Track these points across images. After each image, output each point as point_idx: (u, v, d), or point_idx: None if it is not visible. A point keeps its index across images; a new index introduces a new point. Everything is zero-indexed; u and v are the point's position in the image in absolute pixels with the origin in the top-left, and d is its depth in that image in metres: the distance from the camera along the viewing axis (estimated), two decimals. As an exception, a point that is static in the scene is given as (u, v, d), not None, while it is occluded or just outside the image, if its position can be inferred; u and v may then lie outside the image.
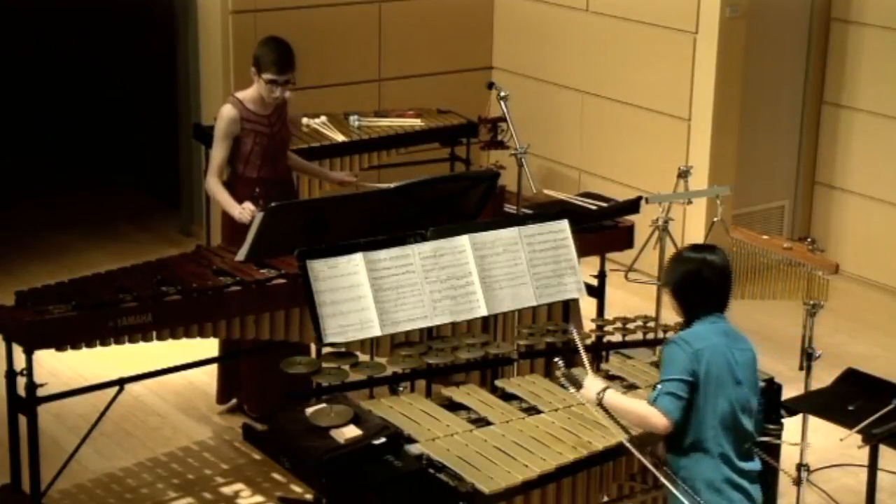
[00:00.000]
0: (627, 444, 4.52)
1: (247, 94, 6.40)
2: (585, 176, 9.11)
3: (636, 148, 8.77)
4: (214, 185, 6.36)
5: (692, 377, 4.40)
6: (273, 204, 5.83)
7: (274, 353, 5.82)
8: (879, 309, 8.37)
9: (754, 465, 4.57)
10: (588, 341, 5.85)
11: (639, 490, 5.08)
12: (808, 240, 6.19)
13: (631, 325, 5.89)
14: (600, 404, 4.56)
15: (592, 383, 4.61)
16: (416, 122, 8.27)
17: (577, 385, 4.61)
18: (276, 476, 6.22)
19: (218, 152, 6.37)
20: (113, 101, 10.56)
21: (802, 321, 5.68)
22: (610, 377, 5.37)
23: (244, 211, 6.19)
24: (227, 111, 6.35)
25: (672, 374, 4.42)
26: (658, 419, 4.41)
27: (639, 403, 4.51)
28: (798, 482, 5.67)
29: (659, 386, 4.45)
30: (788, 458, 5.70)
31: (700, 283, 4.52)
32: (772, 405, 5.36)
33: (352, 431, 4.70)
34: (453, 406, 5.09)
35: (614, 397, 4.57)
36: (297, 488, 6.11)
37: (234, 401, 6.81)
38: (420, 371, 5.44)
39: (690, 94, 8.40)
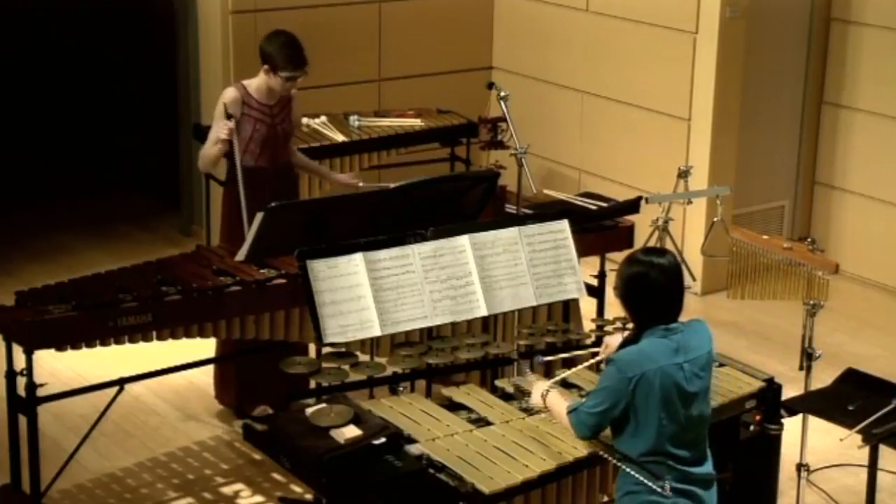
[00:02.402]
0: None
1: (252, 83, 6.44)
2: (585, 176, 9.11)
3: (636, 148, 8.77)
4: (201, 156, 6.47)
5: (617, 403, 4.30)
6: (273, 204, 5.83)
7: (272, 355, 5.83)
8: (879, 309, 8.37)
9: (705, 469, 4.45)
10: (588, 341, 5.86)
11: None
12: (808, 240, 6.18)
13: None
14: (545, 402, 4.63)
15: (541, 383, 4.68)
16: (416, 122, 8.27)
17: (525, 394, 4.64)
18: (276, 476, 6.22)
19: (212, 133, 6.42)
20: (113, 101, 10.56)
21: (802, 321, 5.68)
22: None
23: (221, 128, 6.28)
24: (229, 93, 6.41)
25: (598, 395, 4.36)
26: (570, 428, 4.48)
27: (562, 407, 4.52)
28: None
29: (583, 399, 4.45)
30: (788, 458, 5.70)
31: (647, 287, 4.32)
32: (772, 405, 5.37)
33: (352, 431, 4.70)
34: (453, 406, 5.09)
35: (554, 398, 4.61)
36: (297, 488, 6.11)
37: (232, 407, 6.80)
38: (420, 371, 5.44)
39: (690, 94, 8.40)
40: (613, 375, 4.34)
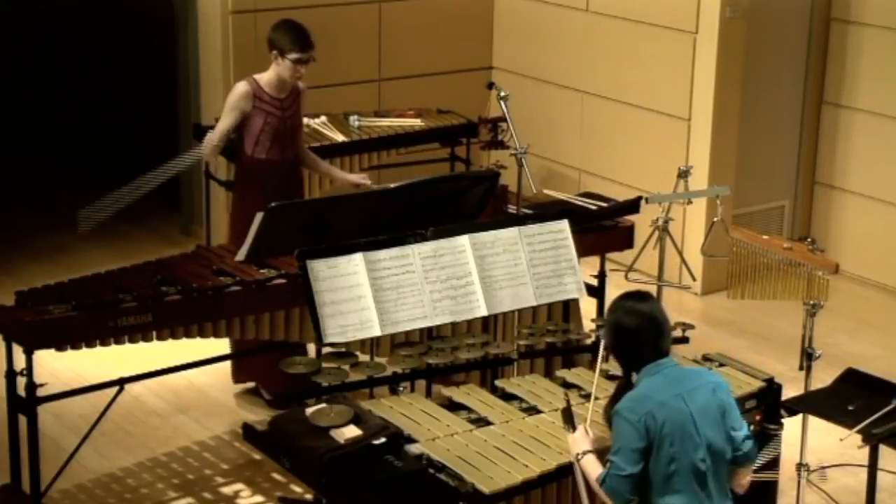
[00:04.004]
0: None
1: (263, 77, 6.53)
2: (585, 176, 9.11)
3: (636, 148, 8.77)
4: (206, 142, 6.56)
5: (642, 444, 4.26)
6: (273, 204, 5.83)
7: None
8: (879, 309, 8.37)
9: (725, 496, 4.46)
10: (588, 341, 5.86)
11: (639, 490, 5.08)
12: (808, 240, 6.16)
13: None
14: (578, 462, 4.47)
15: (581, 441, 4.48)
16: (416, 122, 8.27)
17: (571, 428, 4.54)
18: (276, 476, 6.22)
19: (223, 122, 6.52)
20: (113, 101, 10.56)
21: (802, 321, 5.67)
22: (610, 377, 5.38)
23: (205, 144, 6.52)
24: (241, 86, 6.50)
25: (619, 455, 4.29)
26: (608, 499, 4.33)
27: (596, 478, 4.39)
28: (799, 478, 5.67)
29: (608, 464, 4.32)
30: (788, 458, 5.70)
31: (621, 332, 4.39)
32: (772, 405, 5.37)
33: (352, 431, 4.70)
34: (453, 406, 5.10)
35: (589, 464, 4.43)
36: (297, 488, 6.11)
37: (251, 384, 6.86)
38: (420, 371, 5.44)
39: (690, 94, 8.40)
40: (623, 426, 4.29)
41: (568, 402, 4.63)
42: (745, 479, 4.51)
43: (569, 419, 4.56)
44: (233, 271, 5.98)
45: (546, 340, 5.72)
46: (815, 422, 5.64)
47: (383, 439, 4.68)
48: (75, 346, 5.62)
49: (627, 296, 4.50)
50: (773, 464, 5.51)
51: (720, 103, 8.28)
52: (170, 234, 9.20)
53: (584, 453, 4.45)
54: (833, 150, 8.84)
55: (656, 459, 4.28)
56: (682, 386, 4.35)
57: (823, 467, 5.66)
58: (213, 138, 6.53)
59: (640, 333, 4.37)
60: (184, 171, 9.05)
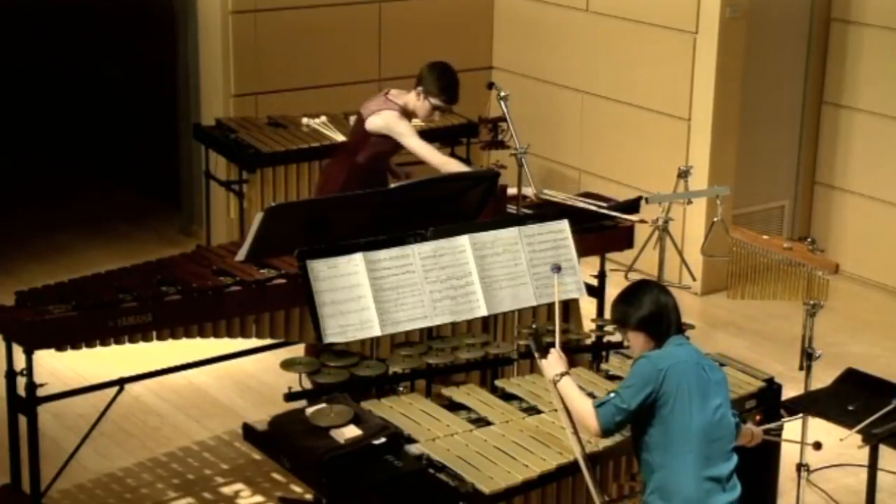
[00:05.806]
0: (571, 435, 4.53)
1: (407, 106, 6.61)
2: (585, 176, 9.11)
3: (636, 148, 8.77)
4: (453, 163, 6.59)
5: (650, 394, 4.40)
6: (273, 203, 5.83)
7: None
8: (879, 309, 8.37)
9: (731, 463, 4.56)
10: (588, 341, 5.86)
11: (639, 490, 5.08)
12: (808, 240, 6.17)
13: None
14: (555, 386, 4.57)
15: (554, 363, 4.60)
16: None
17: (542, 352, 4.60)
18: (276, 476, 6.22)
19: (421, 142, 6.57)
20: (113, 101, 10.56)
21: (802, 321, 5.68)
22: (610, 377, 5.38)
23: None
24: (397, 114, 6.53)
25: (629, 386, 4.43)
26: (592, 422, 4.42)
27: (584, 401, 4.48)
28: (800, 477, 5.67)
29: (612, 393, 4.45)
30: (788, 458, 5.70)
31: (663, 305, 4.58)
32: (772, 405, 5.37)
33: (352, 431, 4.70)
34: (453, 406, 5.10)
35: (568, 386, 4.54)
36: (297, 488, 6.11)
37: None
38: (420, 371, 5.44)
39: (690, 94, 8.40)
40: (644, 365, 4.46)
41: (536, 329, 4.80)
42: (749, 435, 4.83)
43: (539, 346, 4.64)
44: (233, 271, 5.98)
45: (546, 340, 5.71)
46: (815, 422, 5.64)
47: (383, 439, 4.69)
48: (75, 346, 5.62)
49: (643, 282, 4.69)
50: (773, 464, 5.51)
51: (720, 103, 8.28)
52: (170, 234, 9.20)
53: (561, 375, 4.56)
54: (833, 150, 8.84)
55: (673, 414, 4.39)
56: (703, 360, 4.56)
57: (810, 469, 5.67)
58: (443, 157, 6.59)
59: (671, 311, 4.56)
60: (184, 171, 9.13)
